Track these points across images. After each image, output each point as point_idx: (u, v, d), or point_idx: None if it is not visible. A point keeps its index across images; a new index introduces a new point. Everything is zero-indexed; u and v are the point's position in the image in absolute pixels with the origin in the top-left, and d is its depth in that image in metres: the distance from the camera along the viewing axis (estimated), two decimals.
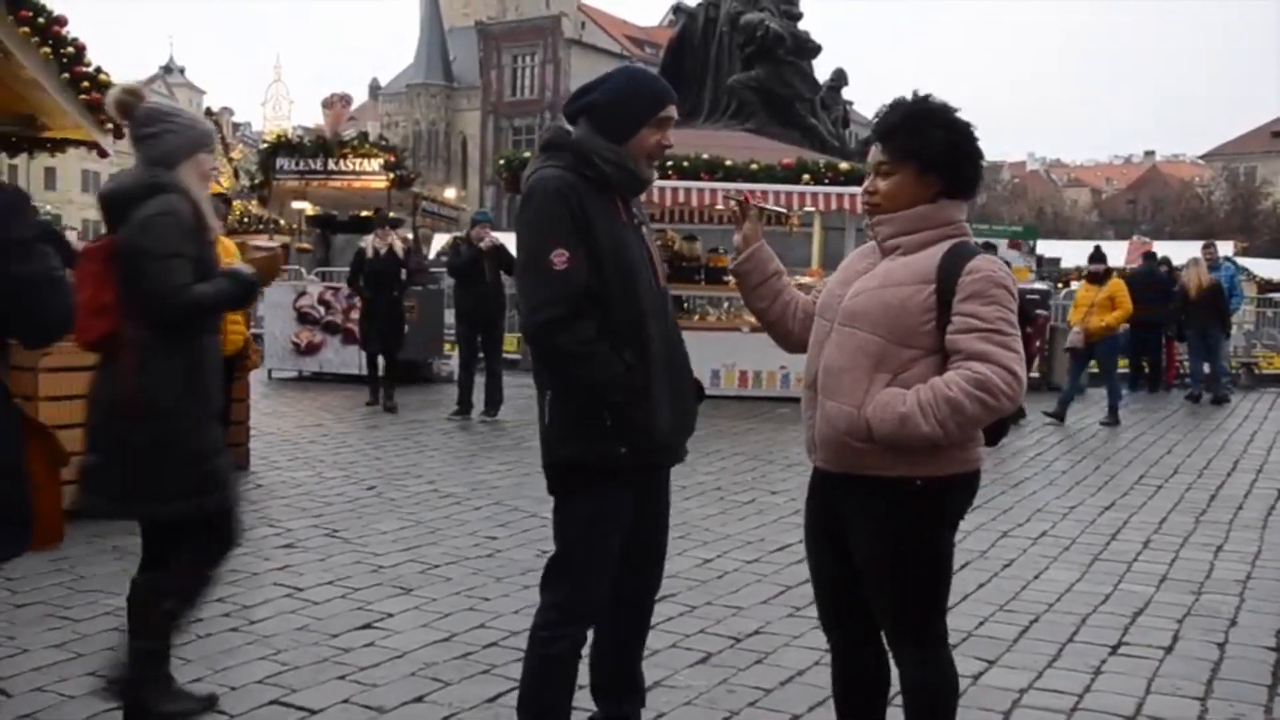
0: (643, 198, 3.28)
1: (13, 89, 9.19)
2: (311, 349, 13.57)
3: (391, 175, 16.96)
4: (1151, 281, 14.93)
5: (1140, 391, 14.54)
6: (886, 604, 2.80)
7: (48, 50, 8.80)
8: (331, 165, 17.32)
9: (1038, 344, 6.49)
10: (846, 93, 23.55)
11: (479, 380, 10.80)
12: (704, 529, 6.36)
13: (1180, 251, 17.86)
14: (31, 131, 10.21)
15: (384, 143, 19.02)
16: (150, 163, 3.50)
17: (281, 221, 21.79)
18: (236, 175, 23.80)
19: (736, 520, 6.64)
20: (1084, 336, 11.27)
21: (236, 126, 57.33)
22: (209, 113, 31.05)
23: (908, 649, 2.80)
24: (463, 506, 6.89)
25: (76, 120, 9.48)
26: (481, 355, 10.93)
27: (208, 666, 4.03)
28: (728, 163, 13.20)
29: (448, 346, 14.05)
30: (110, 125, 9.24)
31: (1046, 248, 25.09)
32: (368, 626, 4.54)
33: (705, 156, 13.17)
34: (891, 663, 2.92)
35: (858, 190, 14.69)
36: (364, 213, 16.83)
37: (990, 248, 10.14)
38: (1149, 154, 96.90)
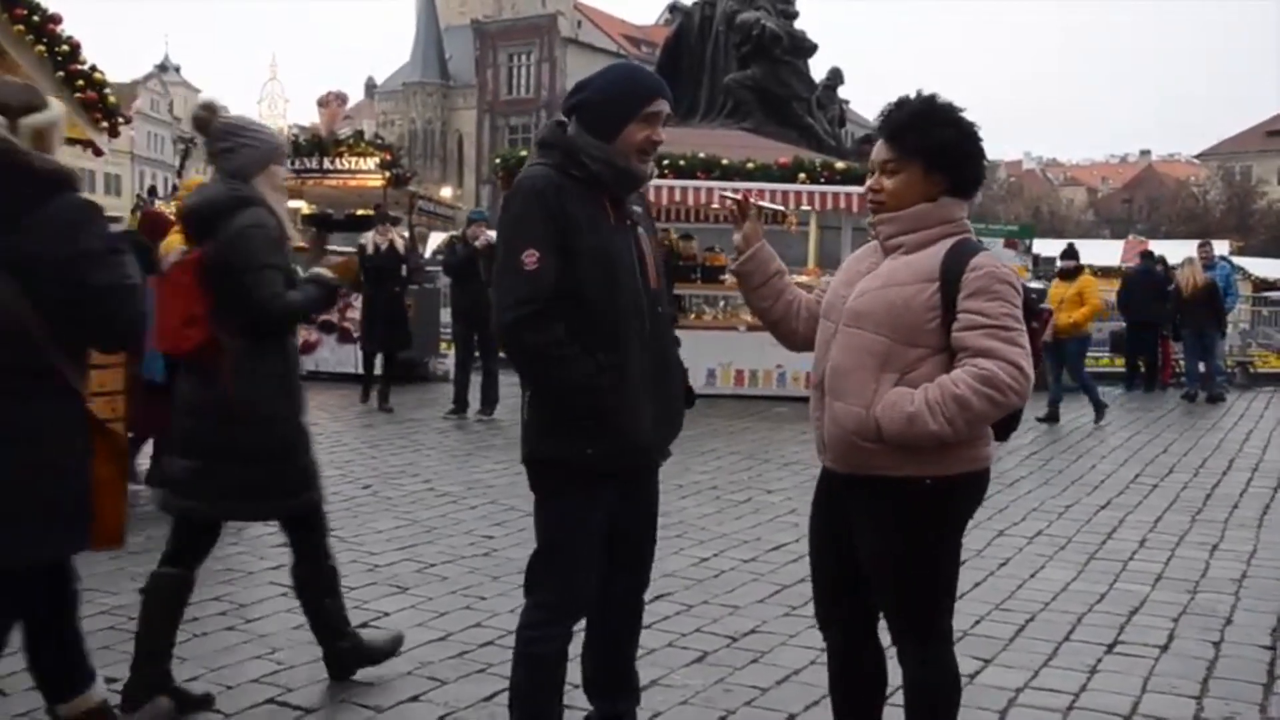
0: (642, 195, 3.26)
1: None
2: (307, 348, 13.52)
3: (387, 174, 16.91)
4: (1148, 281, 14.96)
5: (1136, 390, 14.55)
6: (892, 603, 2.79)
7: (42, 48, 8.78)
8: (327, 164, 17.29)
9: (1043, 339, 6.48)
10: (843, 92, 23.54)
11: (475, 379, 10.80)
12: (700, 528, 6.36)
13: (1176, 250, 17.90)
14: None
15: (380, 141, 18.96)
16: (228, 175, 3.66)
17: None
18: None
19: (733, 519, 6.64)
20: (1053, 332, 11.23)
21: None
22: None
23: (911, 648, 2.80)
24: (459, 505, 6.89)
25: (71, 118, 9.45)
26: (478, 354, 10.92)
27: (204, 665, 4.03)
28: (724, 161, 13.20)
29: (444, 345, 14.04)
30: (105, 124, 9.23)
31: (1042, 247, 25.08)
32: (364, 625, 4.52)
33: (702, 155, 13.17)
34: (890, 662, 2.92)
35: (854, 189, 14.64)
36: (360, 211, 16.80)
37: None
38: (1145, 153, 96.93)
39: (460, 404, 10.72)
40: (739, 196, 3.10)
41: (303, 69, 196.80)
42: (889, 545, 2.73)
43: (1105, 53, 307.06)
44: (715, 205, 13.56)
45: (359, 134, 18.21)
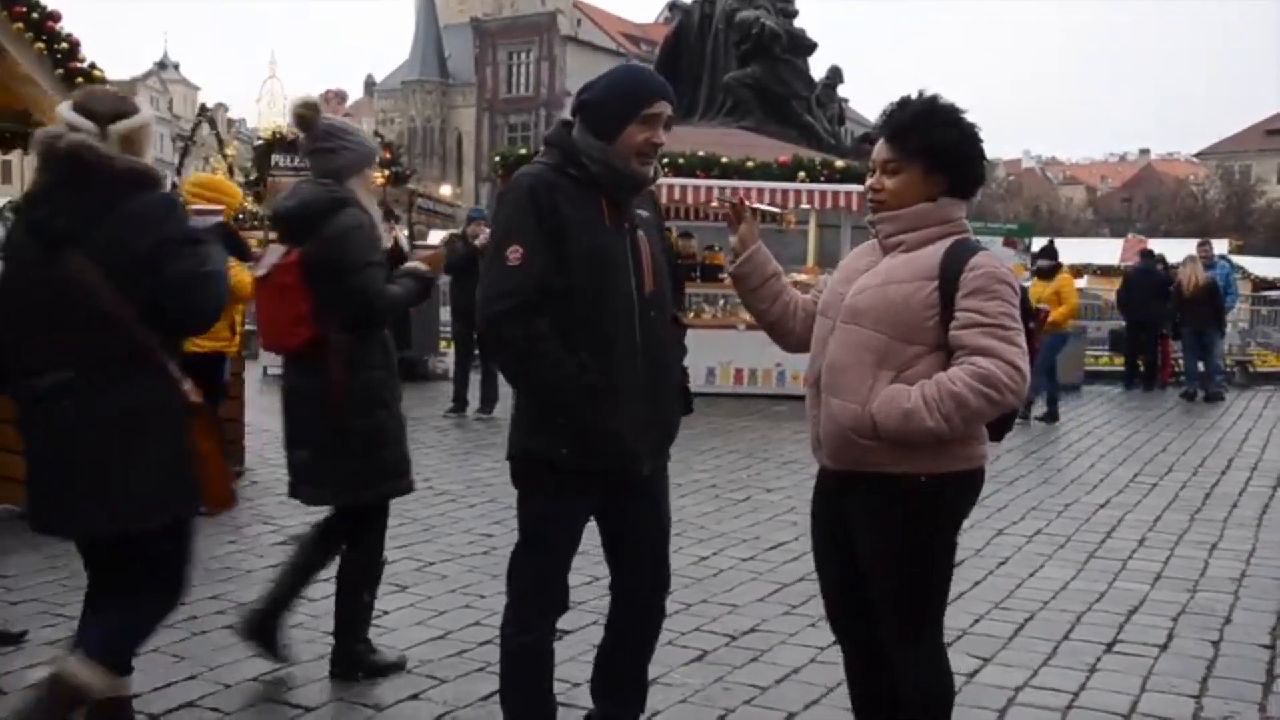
0: (654, 199, 3.26)
1: (7, 85, 9.15)
2: None
3: (387, 172, 16.92)
4: (1148, 280, 14.95)
5: (1135, 389, 14.56)
6: (886, 601, 2.80)
7: (41, 46, 8.76)
8: None
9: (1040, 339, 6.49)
10: (842, 91, 23.52)
11: (474, 378, 10.79)
12: (699, 526, 6.36)
13: (1175, 250, 17.89)
14: (26, 127, 10.17)
15: (379, 139, 18.98)
16: (322, 174, 3.77)
17: None
18: (231, 172, 23.77)
19: (732, 518, 6.64)
20: None
21: (232, 123, 57.25)
22: (203, 109, 31.00)
23: (904, 646, 2.80)
24: (458, 504, 6.89)
25: None
26: (477, 353, 10.91)
27: (204, 663, 4.03)
28: (724, 160, 13.21)
29: (443, 344, 14.02)
30: None
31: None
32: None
33: (701, 154, 13.17)
34: None
35: (854, 188, 14.66)
36: None
37: None
38: (1144, 152, 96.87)
39: (459, 402, 10.71)
40: (734, 199, 3.11)
41: (302, 67, 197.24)
42: (883, 542, 2.74)
43: (1105, 52, 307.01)
44: (714, 204, 13.56)
45: None
